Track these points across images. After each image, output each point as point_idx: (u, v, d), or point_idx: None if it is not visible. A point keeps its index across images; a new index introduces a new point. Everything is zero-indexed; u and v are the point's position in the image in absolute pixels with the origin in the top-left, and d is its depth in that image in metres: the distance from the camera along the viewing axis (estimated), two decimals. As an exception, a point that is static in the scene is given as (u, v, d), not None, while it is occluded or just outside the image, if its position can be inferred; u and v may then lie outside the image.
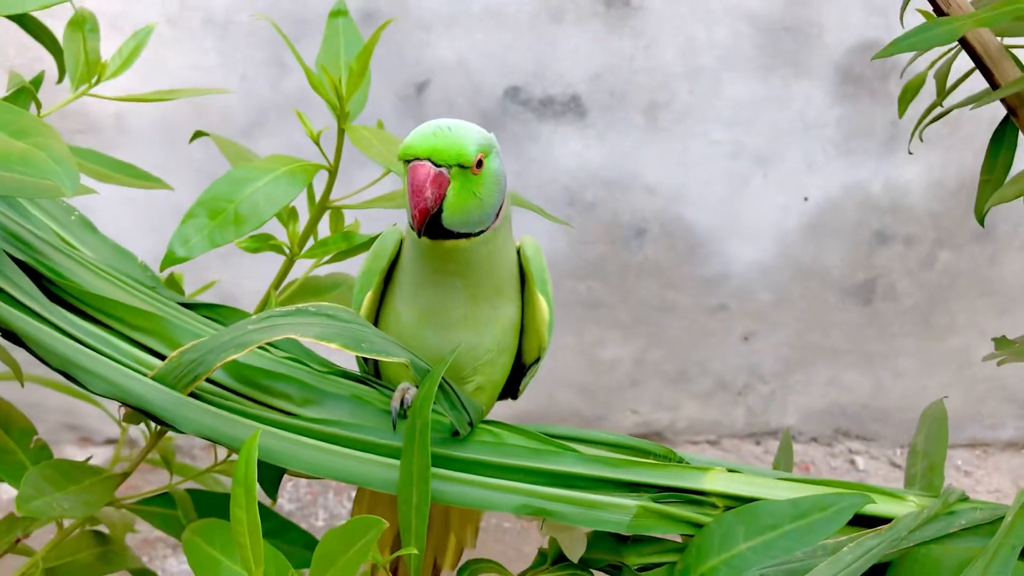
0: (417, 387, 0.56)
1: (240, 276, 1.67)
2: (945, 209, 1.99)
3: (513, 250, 0.58)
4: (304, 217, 0.63)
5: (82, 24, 0.63)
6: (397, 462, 0.52)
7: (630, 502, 0.52)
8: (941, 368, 2.08)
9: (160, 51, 1.88)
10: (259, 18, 1.81)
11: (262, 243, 0.59)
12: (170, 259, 0.55)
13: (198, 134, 0.70)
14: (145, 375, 0.53)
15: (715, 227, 2.01)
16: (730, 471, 0.54)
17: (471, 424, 0.54)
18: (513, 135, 1.94)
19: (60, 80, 0.78)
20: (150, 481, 1.69)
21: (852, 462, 2.09)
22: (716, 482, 0.53)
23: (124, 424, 0.82)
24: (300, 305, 0.52)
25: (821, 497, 0.50)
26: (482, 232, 0.54)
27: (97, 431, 1.99)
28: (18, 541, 0.70)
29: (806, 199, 2.02)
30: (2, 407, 0.66)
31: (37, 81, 0.66)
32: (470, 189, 0.51)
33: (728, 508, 0.52)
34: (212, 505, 0.66)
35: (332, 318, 0.52)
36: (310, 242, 0.63)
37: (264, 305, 0.62)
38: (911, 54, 0.79)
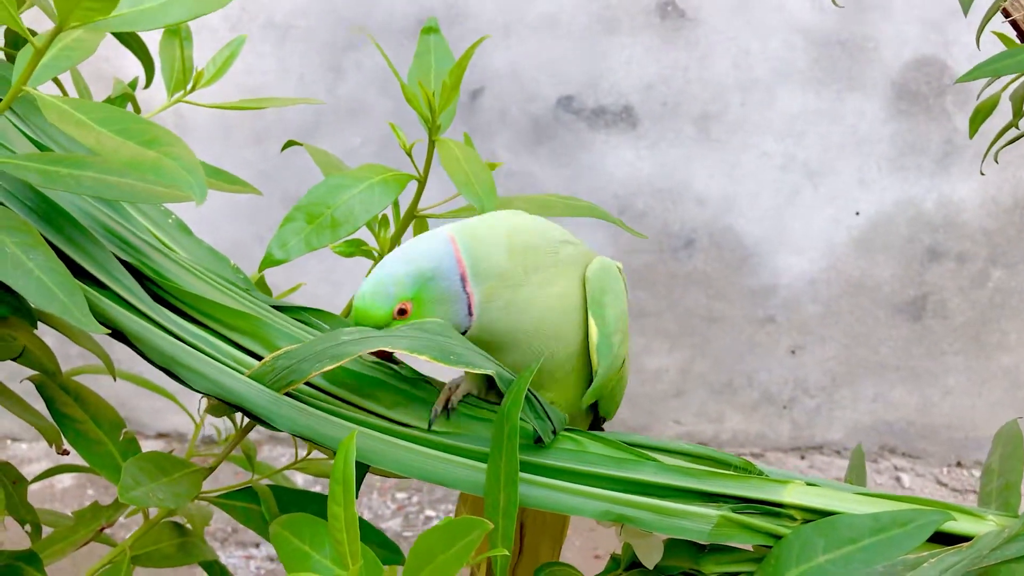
0: (459, 386, 0.58)
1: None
2: (999, 227, 1.98)
3: (562, 282, 0.59)
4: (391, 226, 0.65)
5: (178, 32, 0.65)
6: (484, 465, 0.53)
7: (711, 512, 0.53)
8: (991, 386, 2.06)
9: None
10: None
11: (355, 248, 0.61)
12: (268, 261, 0.57)
13: (290, 143, 0.72)
14: (242, 373, 0.55)
15: (765, 239, 2.02)
16: (808, 484, 0.55)
17: (554, 432, 0.55)
18: (565, 144, 1.96)
19: (148, 85, 0.81)
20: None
21: (898, 479, 2.07)
22: (795, 495, 0.54)
23: (198, 422, 0.85)
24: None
25: (901, 512, 0.50)
26: (466, 332, 0.57)
27: (148, 425, 2.03)
28: (102, 529, 0.72)
29: (857, 213, 2.02)
30: (93, 400, 0.69)
31: (132, 86, 0.69)
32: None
33: (806, 521, 0.53)
34: (291, 501, 0.68)
35: (422, 330, 0.54)
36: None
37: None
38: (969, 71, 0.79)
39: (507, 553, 0.48)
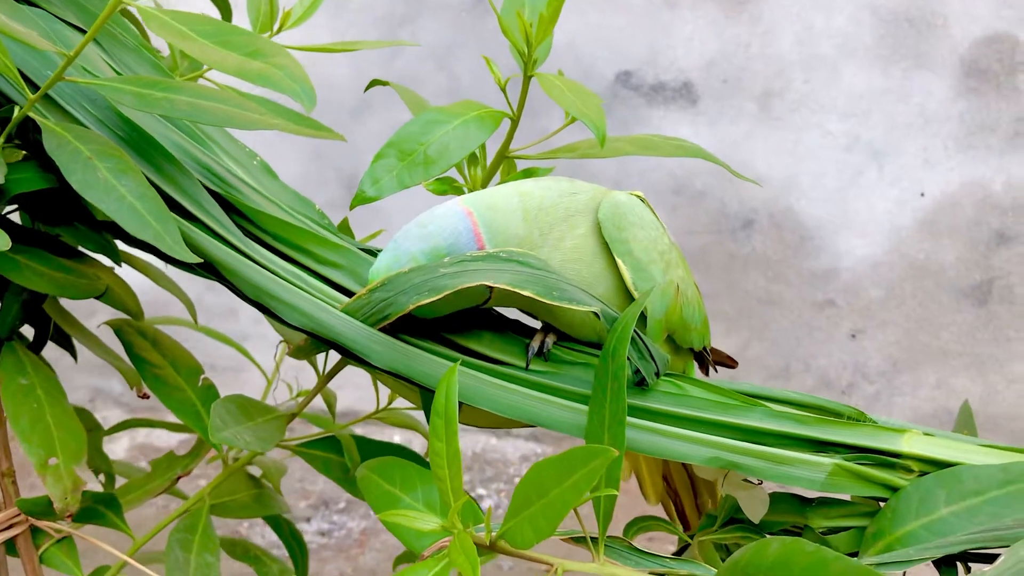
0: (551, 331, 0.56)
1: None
2: (1072, 209, 1.92)
3: (576, 231, 0.56)
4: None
5: (263, -30, 0.64)
6: (585, 407, 0.51)
7: (824, 460, 0.50)
8: (1060, 375, 2.00)
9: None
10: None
11: (448, 186, 0.59)
12: (360, 199, 0.56)
13: (375, 82, 0.70)
14: (336, 308, 0.53)
15: (826, 220, 1.97)
16: (926, 434, 0.52)
17: (658, 374, 0.53)
18: (622, 120, 1.92)
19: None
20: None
21: (960, 468, 2.02)
22: (913, 444, 0.51)
23: (269, 377, 0.83)
24: (491, 250, 0.52)
25: (1034, 463, 0.48)
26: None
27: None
28: (179, 478, 0.71)
29: (922, 195, 1.97)
30: (170, 346, 0.68)
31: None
32: None
33: (924, 473, 0.51)
34: (372, 451, 0.66)
35: (523, 264, 0.52)
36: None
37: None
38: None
39: (616, 493, 0.46)
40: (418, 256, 0.52)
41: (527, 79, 0.59)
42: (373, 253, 0.58)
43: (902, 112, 1.93)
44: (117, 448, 1.70)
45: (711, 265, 1.99)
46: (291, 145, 1.86)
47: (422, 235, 0.53)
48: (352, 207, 0.57)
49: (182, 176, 0.54)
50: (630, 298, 0.57)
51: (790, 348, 2.04)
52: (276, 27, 0.64)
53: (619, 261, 0.55)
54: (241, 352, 0.80)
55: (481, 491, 1.95)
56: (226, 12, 0.75)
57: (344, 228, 0.65)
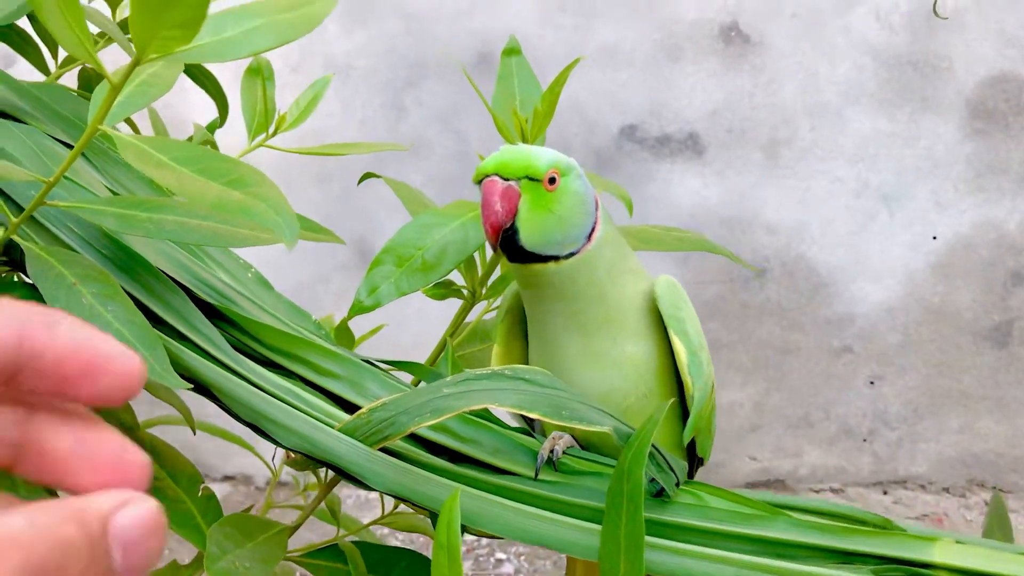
0: (563, 436, 0.53)
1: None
2: (1089, 248, 1.89)
3: (635, 283, 0.55)
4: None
5: (259, 72, 0.62)
6: (598, 526, 0.48)
7: (853, 574, 0.48)
8: (1087, 416, 1.96)
9: (282, 96, 1.92)
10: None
11: (447, 290, 0.57)
12: (357, 309, 0.54)
13: (367, 176, 0.69)
14: (332, 427, 0.51)
15: (839, 267, 1.95)
16: (957, 542, 0.49)
17: (677, 484, 0.51)
18: (628, 174, 1.91)
19: (221, 124, 0.78)
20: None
21: (990, 515, 1.96)
22: (946, 554, 0.48)
23: (275, 470, 0.81)
24: (495, 368, 0.50)
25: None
26: (573, 255, 0.52)
27: (215, 467, 2.01)
28: (181, 591, 0.69)
29: (935, 238, 1.94)
30: (170, 455, 0.65)
31: (212, 127, 0.66)
32: (545, 205, 0.50)
33: (959, 584, 0.48)
34: (379, 559, 0.64)
35: (529, 382, 0.50)
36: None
37: (440, 351, 0.60)
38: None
39: (633, 627, 0.43)
40: (555, 154, 0.52)
41: (525, 176, 0.57)
42: (372, 363, 0.56)
43: (910, 156, 1.91)
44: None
45: (725, 315, 1.97)
46: (301, 207, 1.85)
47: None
48: (349, 317, 0.55)
49: (171, 294, 0.52)
50: (668, 384, 0.55)
51: (809, 397, 2.01)
52: (272, 129, 0.63)
53: (675, 339, 0.54)
54: (244, 447, 0.78)
55: (501, 555, 1.91)
56: (223, 110, 0.74)
57: (343, 331, 0.63)
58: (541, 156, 0.50)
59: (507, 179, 0.50)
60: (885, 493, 2.03)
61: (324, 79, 0.63)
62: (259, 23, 0.42)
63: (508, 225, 0.49)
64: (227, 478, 2.01)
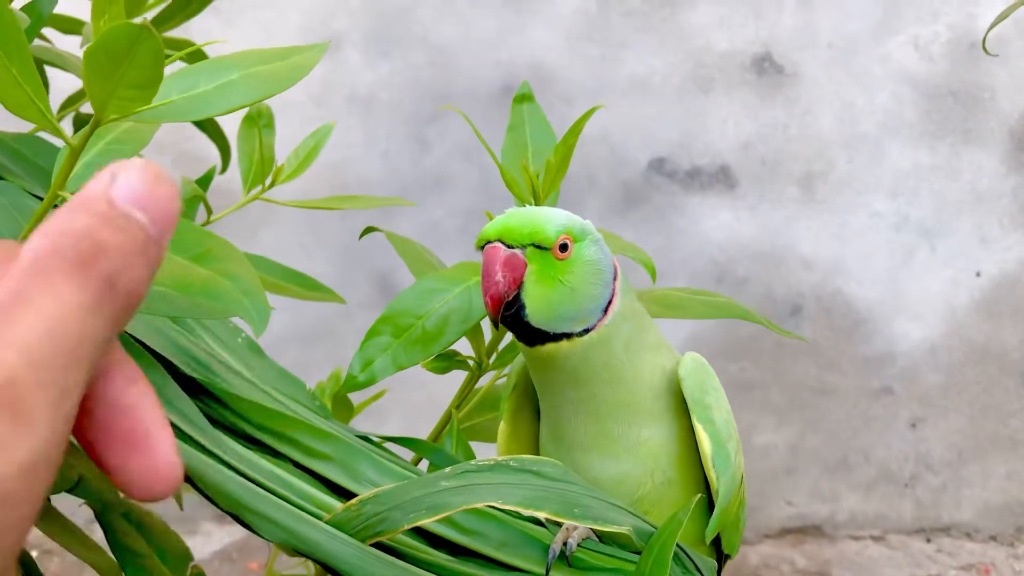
0: (577, 527, 0.47)
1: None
2: None
3: (654, 361, 0.49)
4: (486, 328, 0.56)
5: (257, 120, 0.58)
6: (616, 636, 0.43)
7: None
8: None
9: (305, 129, 1.89)
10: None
11: (450, 362, 0.52)
12: (350, 384, 0.49)
13: (368, 230, 0.64)
14: (321, 518, 0.46)
15: (878, 303, 1.87)
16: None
17: (702, 588, 0.45)
18: (658, 208, 1.86)
19: (224, 170, 0.74)
20: None
21: (1040, 566, 1.88)
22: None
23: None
24: (499, 459, 0.45)
25: None
26: (587, 332, 0.46)
27: (211, 533, 1.96)
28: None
29: (978, 274, 1.87)
30: (158, 529, 0.61)
31: (207, 178, 0.62)
32: (555, 276, 0.45)
33: None
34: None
35: (537, 475, 0.44)
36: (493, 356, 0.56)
37: (444, 424, 0.55)
38: None
39: None
40: (568, 217, 0.46)
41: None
42: (368, 440, 0.51)
43: (952, 189, 1.84)
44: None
45: (760, 354, 1.90)
46: (322, 242, 1.82)
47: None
48: (342, 394, 0.50)
49: (148, 369, 0.48)
50: (689, 476, 0.50)
51: (847, 439, 1.93)
52: (268, 181, 0.59)
53: (699, 427, 0.48)
54: (242, 526, 0.73)
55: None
56: (226, 156, 0.70)
57: (343, 402, 0.59)
58: (551, 221, 0.45)
59: (511, 247, 0.44)
60: (928, 541, 1.95)
61: (326, 127, 0.59)
62: (234, 77, 0.38)
63: (511, 298, 0.44)
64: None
